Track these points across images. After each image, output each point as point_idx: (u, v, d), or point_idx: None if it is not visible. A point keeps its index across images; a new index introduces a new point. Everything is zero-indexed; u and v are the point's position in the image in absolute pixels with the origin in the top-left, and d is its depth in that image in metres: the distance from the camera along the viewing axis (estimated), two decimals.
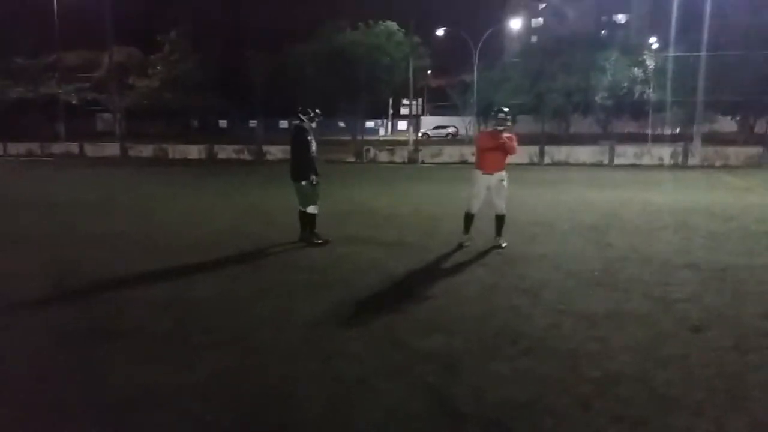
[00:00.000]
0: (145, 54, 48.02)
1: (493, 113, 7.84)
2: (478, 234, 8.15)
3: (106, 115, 51.55)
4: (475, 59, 35.14)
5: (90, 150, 32.01)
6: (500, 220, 7.75)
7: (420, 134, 43.42)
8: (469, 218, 7.84)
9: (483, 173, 7.67)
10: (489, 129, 7.88)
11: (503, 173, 7.67)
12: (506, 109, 7.74)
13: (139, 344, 4.43)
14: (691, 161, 22.24)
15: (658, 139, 27.42)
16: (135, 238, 8.56)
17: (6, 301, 5.58)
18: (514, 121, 7.75)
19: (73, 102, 42.72)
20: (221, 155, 28.70)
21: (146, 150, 30.71)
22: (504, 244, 7.67)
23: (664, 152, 23.04)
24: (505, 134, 7.58)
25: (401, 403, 3.47)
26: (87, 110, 49.49)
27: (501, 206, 7.72)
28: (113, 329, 4.74)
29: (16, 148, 33.01)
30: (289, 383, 3.74)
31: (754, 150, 22.30)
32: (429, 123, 61.38)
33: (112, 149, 31.49)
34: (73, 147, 32.48)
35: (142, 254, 7.54)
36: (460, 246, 7.73)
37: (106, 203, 12.55)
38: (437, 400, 3.49)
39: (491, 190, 7.70)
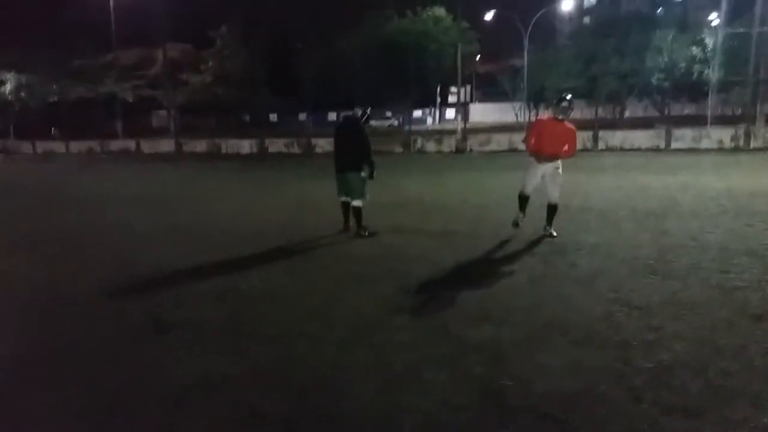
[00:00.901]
0: (198, 50, 49.17)
1: (555, 101, 7.67)
2: (528, 222, 8.05)
3: (161, 112, 53.14)
4: (525, 43, 34.40)
5: (146, 146, 33.15)
6: (552, 209, 7.64)
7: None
8: (523, 199, 7.81)
9: (538, 161, 7.56)
10: (548, 116, 7.74)
11: (558, 162, 7.54)
12: (569, 97, 7.60)
13: (194, 335, 4.59)
14: (753, 144, 21.23)
15: (718, 122, 26.23)
16: (189, 231, 8.84)
17: (68, 293, 5.87)
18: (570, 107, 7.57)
19: (130, 99, 44.19)
20: (272, 149, 29.21)
21: (200, 145, 31.56)
22: (554, 233, 7.55)
23: (725, 135, 22.07)
24: (566, 123, 7.46)
25: (449, 393, 3.49)
26: (143, 107, 51.14)
27: (555, 195, 7.60)
28: (169, 320, 4.92)
29: (78, 146, 34.50)
30: (338, 372, 3.82)
31: None
32: (478, 110, 60.59)
33: (167, 145, 32.51)
34: (130, 144, 33.72)
35: (197, 247, 7.79)
36: (516, 224, 7.82)
37: (162, 198, 12.99)
38: (485, 391, 3.50)
39: (546, 177, 7.60)
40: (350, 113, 8.26)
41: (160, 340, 4.52)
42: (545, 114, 7.70)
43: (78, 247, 8.08)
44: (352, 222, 8.34)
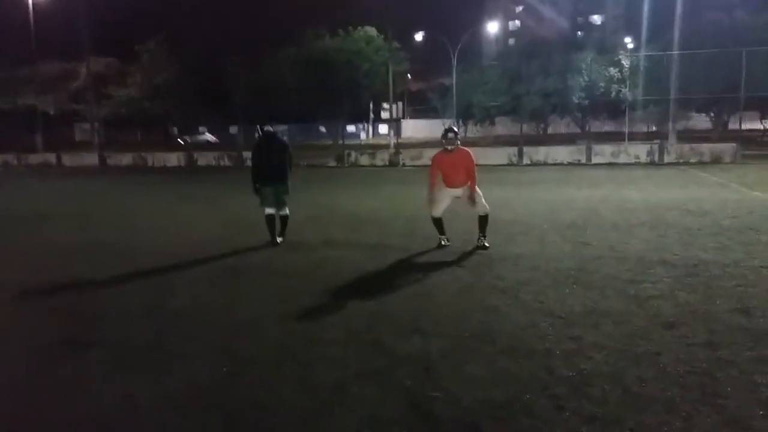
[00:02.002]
0: (124, 63, 47.60)
1: (442, 133, 7.91)
2: (456, 235, 8.22)
3: (85, 125, 51.00)
4: (454, 62, 35.30)
5: (68, 160, 31.64)
6: (483, 219, 7.84)
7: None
8: (436, 221, 7.96)
9: (448, 188, 7.84)
10: (441, 150, 7.87)
11: (468, 186, 7.76)
12: (455, 128, 8.02)
13: (117, 355, 4.40)
14: (666, 158, 22.55)
15: (635, 138, 27.74)
16: (113, 248, 8.48)
17: None
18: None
19: (51, 112, 42.21)
20: (201, 162, 28.52)
21: (125, 159, 30.43)
22: (487, 244, 7.75)
23: (641, 150, 23.34)
24: (460, 149, 7.74)
25: (379, 408, 3.49)
26: (65, 120, 48.95)
27: (480, 207, 7.79)
28: (89, 339, 4.70)
29: None
30: (267, 391, 3.74)
31: (728, 146, 22.68)
32: (410, 126, 61.56)
33: (90, 159, 31.15)
34: (51, 157, 32.08)
35: (120, 264, 7.47)
36: (441, 246, 7.89)
37: (82, 213, 12.41)
38: (414, 404, 3.52)
39: (461, 198, 7.84)
40: (271, 128, 8.69)
41: (80, 361, 4.31)
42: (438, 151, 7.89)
43: None
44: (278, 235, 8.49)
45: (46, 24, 35.72)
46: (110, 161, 30.54)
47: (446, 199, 7.90)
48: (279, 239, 8.48)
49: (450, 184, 7.82)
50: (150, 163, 29.51)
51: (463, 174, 7.74)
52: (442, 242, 7.96)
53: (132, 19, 51.27)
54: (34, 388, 3.92)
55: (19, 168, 31.01)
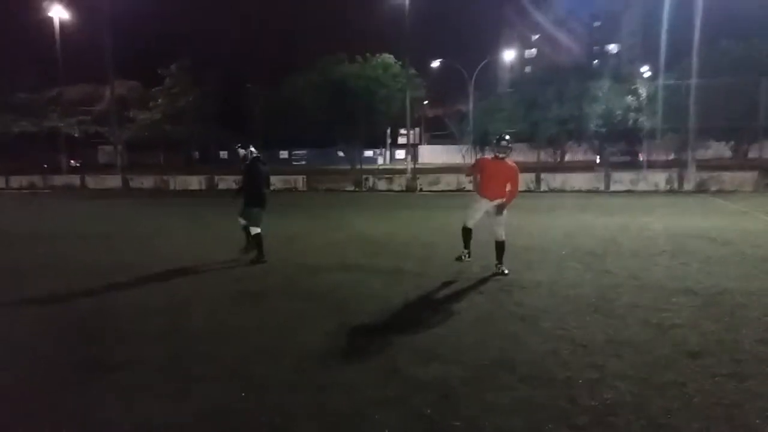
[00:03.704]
0: (146, 87, 48.63)
1: (495, 140, 7.88)
2: (475, 260, 8.16)
3: (108, 148, 51.97)
4: (471, 90, 35.60)
5: (91, 182, 32.19)
6: (500, 246, 7.77)
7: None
8: (466, 232, 7.87)
9: (481, 197, 7.73)
10: (490, 155, 7.94)
11: (502, 200, 7.67)
12: (508, 137, 7.82)
13: (136, 376, 4.41)
14: (686, 186, 22.35)
15: (653, 166, 27.55)
16: (133, 269, 8.54)
17: (3, 331, 5.56)
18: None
19: (75, 135, 43.12)
20: (222, 185, 28.81)
21: (147, 181, 30.87)
22: (506, 271, 7.67)
23: (659, 178, 23.17)
24: (508, 161, 7.68)
25: None
26: (89, 143, 49.93)
27: (500, 233, 7.73)
28: (110, 361, 4.72)
29: (19, 181, 33.19)
30: (283, 416, 3.71)
31: (749, 175, 22.42)
32: (427, 151, 61.77)
33: (113, 181, 31.66)
34: (75, 179, 32.67)
35: (140, 285, 7.54)
36: (459, 259, 7.85)
37: (105, 235, 12.56)
38: None
39: (489, 214, 7.74)
40: (257, 154, 9.11)
41: (98, 382, 4.32)
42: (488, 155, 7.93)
43: (16, 285, 7.68)
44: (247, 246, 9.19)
45: (72, 48, 36.67)
46: (133, 184, 31.00)
47: (481, 211, 7.76)
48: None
49: (485, 192, 7.69)
50: (172, 186, 29.88)
51: (502, 186, 7.62)
52: (463, 257, 7.87)
53: (155, 43, 52.49)
54: (52, 410, 3.92)
55: (44, 189, 31.57)
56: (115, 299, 6.81)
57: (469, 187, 9.16)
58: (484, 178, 7.70)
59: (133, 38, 48.78)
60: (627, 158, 36.04)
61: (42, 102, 44.17)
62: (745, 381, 4.12)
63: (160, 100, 46.50)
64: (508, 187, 7.67)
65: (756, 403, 3.77)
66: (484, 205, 7.74)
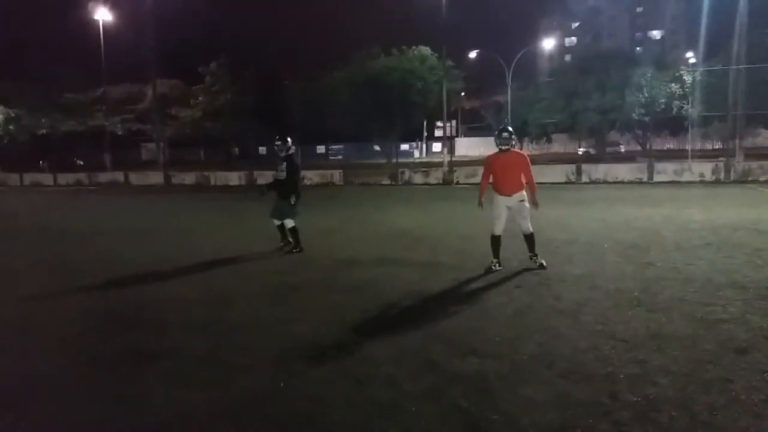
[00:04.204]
0: (187, 85, 49.60)
1: (496, 133, 7.71)
2: (512, 255, 8.08)
3: (150, 145, 53.28)
4: (509, 80, 35.10)
5: (135, 179, 33.10)
6: (530, 238, 7.65)
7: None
8: (494, 240, 7.66)
9: (500, 195, 7.57)
10: (494, 152, 7.73)
11: (522, 193, 7.52)
12: (510, 128, 7.69)
13: (176, 366, 4.52)
14: (733, 176, 21.62)
15: (699, 155, 26.72)
16: (175, 263, 8.76)
17: (49, 322, 5.78)
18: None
19: (119, 133, 44.34)
20: (261, 181, 29.22)
21: (189, 177, 31.57)
22: (543, 262, 7.56)
23: (705, 168, 22.48)
24: (514, 151, 7.57)
25: (433, 427, 3.44)
26: (132, 140, 51.27)
27: (526, 225, 7.59)
28: (151, 351, 4.86)
29: (66, 178, 34.36)
30: (320, 406, 3.75)
31: None
32: (464, 144, 61.35)
33: (156, 177, 32.48)
34: (119, 176, 33.66)
35: (181, 278, 7.73)
36: (489, 270, 7.53)
37: (148, 230, 12.90)
38: (471, 426, 3.45)
39: (513, 210, 7.57)
40: (293, 149, 9.44)
41: (141, 371, 4.45)
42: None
43: (62, 278, 7.98)
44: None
45: (115, 48, 37.69)
46: (174, 180, 31.74)
47: (503, 213, 7.59)
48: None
49: (501, 190, 7.54)
50: (212, 182, 30.48)
51: (517, 179, 7.47)
52: (493, 267, 7.57)
53: (195, 42, 53.45)
54: (95, 397, 4.06)
55: (89, 186, 32.59)
56: (157, 292, 6.99)
57: None
58: (498, 175, 7.54)
59: (174, 38, 49.84)
60: (613, 150, 36.29)
61: (87, 102, 45.49)
62: None
63: (200, 98, 47.35)
64: (523, 179, 7.52)
65: None
66: (504, 203, 7.56)
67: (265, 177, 29.02)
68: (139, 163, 50.86)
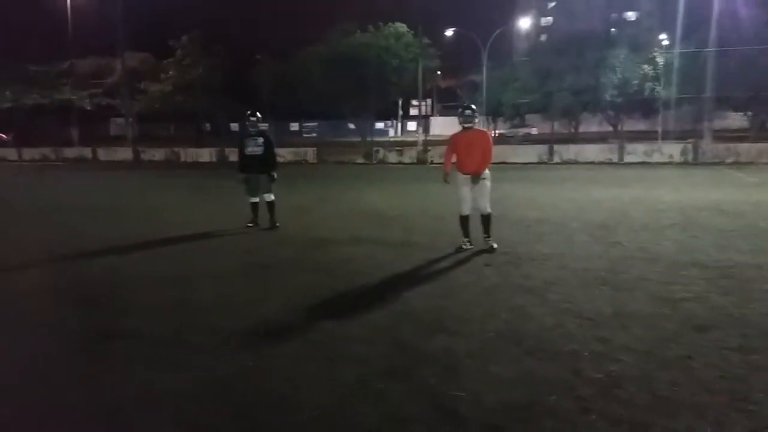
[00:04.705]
0: (158, 59, 48.42)
1: (459, 111, 7.68)
2: (483, 235, 8.14)
3: (119, 120, 52.07)
4: (484, 59, 35.06)
5: (103, 154, 32.40)
6: (486, 219, 7.60)
7: None
8: (463, 220, 7.70)
9: (463, 174, 7.57)
10: (458, 130, 7.71)
11: (485, 172, 7.51)
12: (473, 106, 7.67)
13: (140, 347, 4.47)
14: (701, 158, 22.04)
15: (669, 137, 27.16)
16: (142, 241, 8.63)
17: (7, 302, 5.67)
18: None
19: (87, 107, 43.22)
20: (232, 158, 28.85)
21: (158, 154, 31.05)
22: (495, 245, 7.51)
23: (674, 149, 22.87)
24: (477, 128, 7.60)
25: (400, 405, 3.47)
26: (101, 115, 50.03)
27: (484, 205, 7.56)
28: (115, 331, 4.80)
29: (31, 153, 33.46)
30: (289, 386, 3.75)
31: (766, 146, 22.04)
32: (439, 123, 61.36)
33: (124, 153, 31.85)
34: (86, 151, 32.92)
35: (149, 257, 7.64)
36: (460, 249, 7.59)
37: (115, 207, 12.67)
38: (437, 403, 3.49)
39: (474, 189, 7.56)
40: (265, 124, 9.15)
41: (104, 351, 4.40)
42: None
43: (24, 256, 7.81)
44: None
45: (83, 20, 36.56)
46: (144, 156, 31.18)
47: (468, 192, 7.58)
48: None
49: (463, 168, 7.53)
50: (183, 159, 30.01)
51: (479, 157, 7.45)
52: (464, 245, 7.62)
53: (166, 15, 52.13)
54: (59, 376, 4.01)
55: (56, 162, 31.82)
56: (124, 271, 6.89)
57: None
58: (461, 153, 7.55)
59: (143, 9, 48.47)
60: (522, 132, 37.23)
61: (53, 74, 44.18)
62: (751, 354, 4.09)
63: (171, 72, 46.31)
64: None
65: (761, 377, 3.75)
66: (466, 184, 7.57)
67: (237, 154, 28.69)
68: (107, 138, 49.78)
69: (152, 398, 3.63)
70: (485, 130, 7.63)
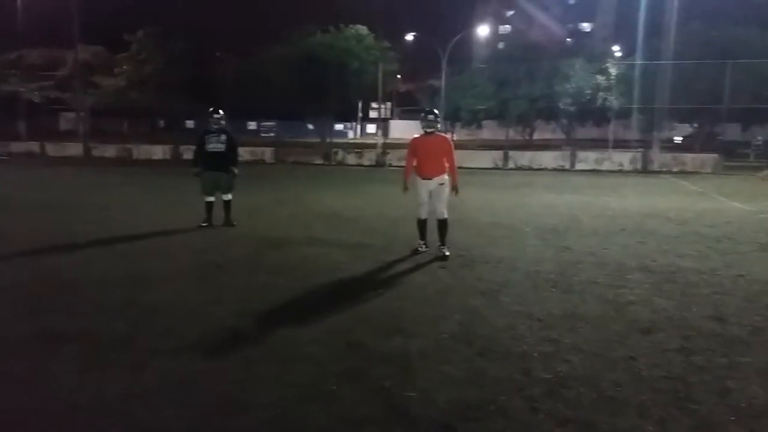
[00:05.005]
0: (112, 53, 47.11)
1: (422, 115, 7.70)
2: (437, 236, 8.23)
3: (70, 114, 50.47)
4: (443, 64, 35.43)
5: (52, 149, 31.29)
6: (442, 224, 7.54)
7: None
8: (420, 224, 7.71)
9: (422, 178, 7.57)
10: (420, 133, 7.69)
11: (444, 177, 7.50)
12: (435, 111, 7.73)
13: (90, 349, 4.35)
14: (650, 167, 22.82)
15: (619, 146, 28.04)
16: (90, 240, 8.39)
17: None
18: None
19: (36, 100, 41.70)
20: (187, 156, 28.28)
21: (110, 150, 30.21)
22: (447, 253, 7.42)
23: (624, 158, 23.62)
24: (439, 134, 7.63)
25: (354, 407, 3.48)
26: (50, 109, 48.37)
27: (441, 210, 7.54)
28: (65, 334, 4.64)
29: None
30: (241, 389, 3.71)
31: (710, 157, 23.00)
32: (398, 127, 61.62)
33: (74, 149, 30.85)
34: (34, 146, 31.72)
35: (98, 257, 7.42)
36: (416, 251, 7.62)
37: (63, 203, 12.27)
38: (391, 404, 3.51)
39: (432, 194, 7.55)
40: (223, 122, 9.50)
41: (53, 355, 4.25)
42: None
43: None
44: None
45: (33, 9, 35.26)
46: (95, 152, 30.28)
47: (426, 197, 7.58)
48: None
49: (423, 173, 7.53)
50: (135, 155, 29.28)
51: (439, 162, 7.45)
52: (420, 248, 7.64)
53: (121, 7, 50.82)
54: (5, 381, 3.86)
55: (1, 156, 30.56)
56: (71, 271, 6.68)
57: None
58: (421, 158, 7.55)
59: (97, 1, 47.09)
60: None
61: (1, 65, 42.49)
62: (692, 356, 4.27)
63: (125, 67, 45.13)
64: (446, 163, 7.53)
65: (700, 377, 3.92)
66: (425, 187, 7.56)
67: (192, 151, 28.07)
68: (57, 133, 48.11)
69: (103, 402, 3.53)
70: (447, 136, 7.66)
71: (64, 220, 10.19)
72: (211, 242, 8.32)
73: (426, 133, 7.54)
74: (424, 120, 7.58)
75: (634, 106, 29.36)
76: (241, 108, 39.21)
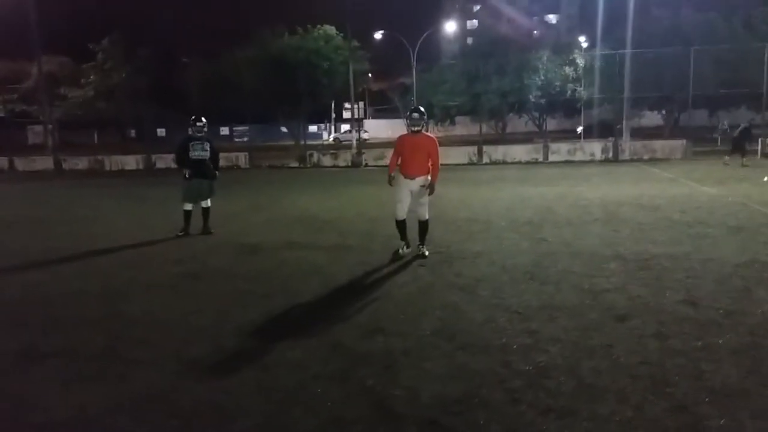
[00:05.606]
0: (78, 63, 46.33)
1: (407, 114, 7.58)
2: (415, 234, 8.27)
3: (38, 128, 49.48)
4: (413, 62, 35.55)
5: (21, 164, 30.67)
6: (423, 226, 7.49)
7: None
8: (399, 224, 7.58)
9: (405, 177, 7.47)
10: (406, 132, 7.59)
11: (426, 178, 7.38)
12: (421, 109, 7.53)
13: (70, 364, 4.30)
14: (621, 156, 23.21)
15: (590, 136, 28.48)
16: (66, 254, 8.27)
17: None
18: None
19: (1, 114, 40.84)
20: (159, 165, 28.01)
21: (81, 162, 29.71)
22: (427, 253, 7.40)
23: (596, 148, 23.98)
24: (426, 134, 7.45)
25: (340, 408, 3.51)
26: (17, 123, 47.44)
27: (423, 212, 7.46)
28: (42, 349, 4.59)
29: None
30: (226, 396, 3.72)
31: (678, 143, 23.47)
32: (372, 126, 61.65)
33: (44, 163, 30.27)
34: (2, 162, 31.05)
35: (75, 271, 7.32)
36: (397, 254, 7.52)
37: (36, 219, 12.06)
38: (376, 403, 3.55)
39: (413, 194, 7.46)
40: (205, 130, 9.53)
41: (34, 370, 4.20)
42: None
43: None
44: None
45: None
46: (66, 165, 29.74)
47: (406, 196, 7.48)
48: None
49: (407, 172, 7.41)
50: (107, 167, 28.86)
51: (423, 162, 7.35)
52: (401, 250, 7.55)
53: (85, 16, 50.00)
54: None
55: None
56: (48, 286, 6.58)
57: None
58: (405, 156, 7.43)
59: (60, 10, 46.28)
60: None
61: None
62: (667, 340, 4.38)
63: (92, 77, 44.40)
64: (430, 163, 7.41)
65: (675, 360, 4.02)
66: (407, 187, 7.45)
67: (164, 160, 27.82)
68: (25, 147, 47.17)
69: (87, 416, 3.51)
70: (433, 136, 7.53)
71: (38, 235, 10.02)
72: (188, 251, 8.26)
73: (413, 131, 7.40)
74: (409, 118, 7.42)
75: (601, 95, 29.81)
76: (212, 113, 38.86)
